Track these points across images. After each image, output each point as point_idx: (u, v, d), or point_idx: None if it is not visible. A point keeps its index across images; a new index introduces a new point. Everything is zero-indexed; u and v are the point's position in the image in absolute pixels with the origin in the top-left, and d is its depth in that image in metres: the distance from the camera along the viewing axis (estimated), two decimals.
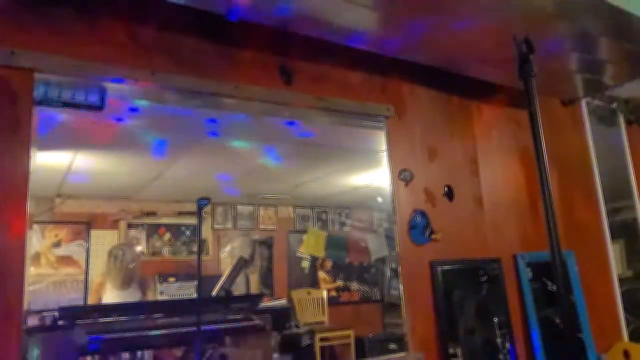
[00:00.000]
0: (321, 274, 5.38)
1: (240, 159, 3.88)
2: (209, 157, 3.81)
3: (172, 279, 4.55)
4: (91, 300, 3.91)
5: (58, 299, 3.95)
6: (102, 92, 1.88)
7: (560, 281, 1.42)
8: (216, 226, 4.95)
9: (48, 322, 2.40)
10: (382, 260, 5.39)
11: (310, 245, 5.40)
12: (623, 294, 3.31)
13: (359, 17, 2.05)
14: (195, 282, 4.35)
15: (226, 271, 3.99)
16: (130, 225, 4.59)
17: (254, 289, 4.91)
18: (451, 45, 2.33)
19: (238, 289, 4.26)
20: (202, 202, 2.45)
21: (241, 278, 4.58)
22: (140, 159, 3.75)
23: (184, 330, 2.44)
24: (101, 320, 2.46)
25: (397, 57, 2.47)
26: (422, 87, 2.73)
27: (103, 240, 4.33)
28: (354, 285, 5.50)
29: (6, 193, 1.63)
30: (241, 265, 4.32)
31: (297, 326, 4.15)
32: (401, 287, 2.43)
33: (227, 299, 3.33)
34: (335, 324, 4.64)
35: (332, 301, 5.17)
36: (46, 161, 3.27)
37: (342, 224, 5.62)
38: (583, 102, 3.41)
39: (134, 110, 2.37)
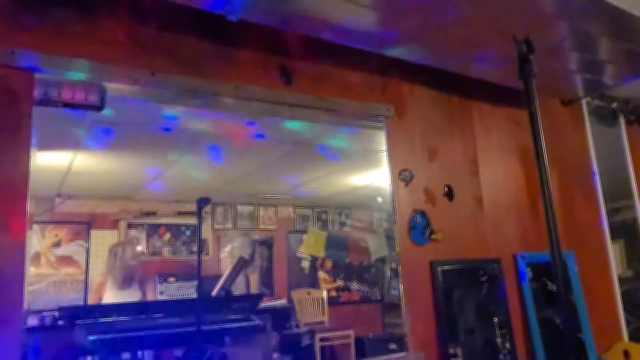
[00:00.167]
0: (321, 274, 5.38)
1: (241, 159, 3.89)
2: (208, 157, 3.81)
3: (172, 279, 4.56)
4: (91, 300, 3.92)
5: (58, 299, 3.96)
6: (102, 92, 1.88)
7: (560, 281, 1.41)
8: (216, 226, 4.95)
9: (48, 322, 2.40)
10: (382, 260, 5.40)
11: (310, 245, 5.40)
12: (623, 294, 3.31)
13: (359, 17, 2.05)
14: (195, 282, 4.35)
15: (226, 271, 3.99)
16: (130, 225, 4.60)
17: (254, 289, 4.92)
18: (451, 45, 2.32)
19: (238, 289, 4.27)
20: (202, 202, 2.46)
21: (241, 278, 4.58)
22: (140, 159, 3.75)
23: (184, 330, 2.45)
24: (101, 320, 2.46)
25: (397, 57, 2.47)
26: (422, 87, 2.73)
27: (103, 240, 4.33)
28: (354, 285, 5.50)
29: (6, 193, 1.63)
30: (241, 265, 4.32)
31: (297, 326, 4.15)
32: (401, 287, 2.43)
33: (227, 299, 3.34)
34: (335, 324, 4.65)
35: (332, 301, 5.17)
36: (46, 161, 3.28)
37: (342, 224, 5.62)
38: (583, 102, 3.41)
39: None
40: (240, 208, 5.08)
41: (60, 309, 2.46)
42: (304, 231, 5.45)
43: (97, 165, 3.77)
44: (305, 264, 5.36)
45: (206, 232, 4.87)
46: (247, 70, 2.19)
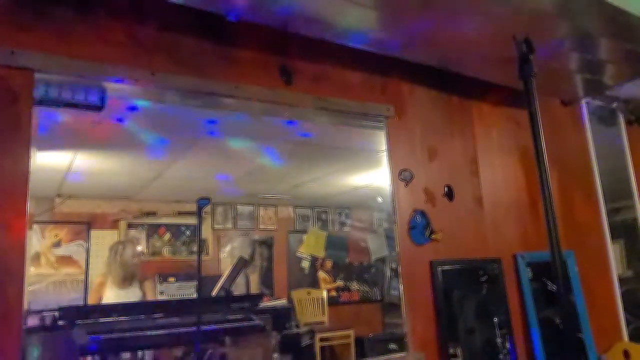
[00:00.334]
0: (321, 274, 5.38)
1: (240, 159, 3.88)
2: (209, 157, 3.81)
3: (172, 279, 4.56)
4: (91, 300, 3.91)
5: (58, 299, 3.96)
6: (102, 92, 1.88)
7: (560, 281, 1.41)
8: (216, 226, 4.95)
9: (48, 322, 2.40)
10: (382, 260, 5.40)
11: (310, 245, 5.41)
12: (623, 294, 3.31)
13: (359, 17, 2.05)
14: (195, 282, 4.35)
15: (226, 271, 3.99)
16: (130, 225, 4.60)
17: (254, 289, 4.91)
18: (451, 45, 2.32)
19: (238, 289, 4.27)
20: (202, 202, 2.46)
21: (241, 278, 4.58)
22: (140, 159, 3.75)
23: (184, 330, 2.45)
24: (101, 320, 2.47)
25: (397, 57, 2.47)
26: (422, 87, 2.73)
27: (103, 240, 4.33)
28: (354, 285, 5.50)
29: (6, 193, 1.63)
30: (241, 265, 4.32)
31: (297, 326, 4.15)
32: (401, 287, 2.43)
33: (227, 299, 3.34)
34: (335, 324, 4.65)
35: (332, 301, 5.17)
36: (46, 161, 3.28)
37: (342, 224, 5.62)
38: (583, 102, 3.41)
39: (132, 109, 2.37)
40: (240, 208, 5.08)
41: (60, 309, 2.46)
42: (304, 231, 5.45)
43: (97, 165, 3.77)
44: (305, 264, 5.36)
45: (206, 232, 4.87)
46: (247, 70, 2.19)
